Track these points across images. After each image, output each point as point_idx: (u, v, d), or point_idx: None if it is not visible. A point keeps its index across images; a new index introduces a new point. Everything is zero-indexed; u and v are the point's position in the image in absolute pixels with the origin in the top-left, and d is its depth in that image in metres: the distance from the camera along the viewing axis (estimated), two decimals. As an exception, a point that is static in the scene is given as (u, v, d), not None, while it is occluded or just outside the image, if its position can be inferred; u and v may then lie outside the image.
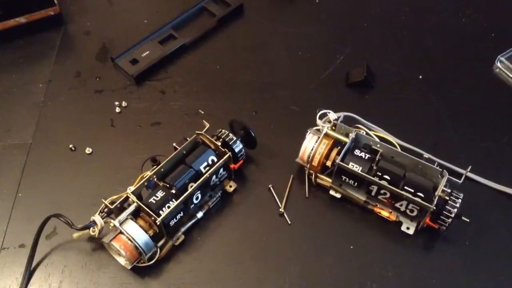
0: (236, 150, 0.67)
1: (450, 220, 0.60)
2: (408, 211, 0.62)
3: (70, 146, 0.73)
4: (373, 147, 0.65)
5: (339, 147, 0.65)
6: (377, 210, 0.65)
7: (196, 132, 0.67)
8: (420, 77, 0.81)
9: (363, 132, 0.67)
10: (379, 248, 0.64)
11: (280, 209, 0.67)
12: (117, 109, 0.78)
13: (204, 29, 0.88)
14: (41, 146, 0.74)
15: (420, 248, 0.64)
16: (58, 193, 0.69)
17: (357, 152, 0.64)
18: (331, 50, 0.85)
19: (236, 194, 0.69)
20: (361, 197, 0.65)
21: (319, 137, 0.66)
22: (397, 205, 0.62)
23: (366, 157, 0.63)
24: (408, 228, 0.64)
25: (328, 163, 0.65)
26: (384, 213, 0.65)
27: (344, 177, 0.64)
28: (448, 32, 0.87)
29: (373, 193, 0.63)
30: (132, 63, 0.83)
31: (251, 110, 0.77)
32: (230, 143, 0.67)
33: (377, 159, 0.64)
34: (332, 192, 0.67)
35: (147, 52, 0.84)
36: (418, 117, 0.75)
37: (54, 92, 0.80)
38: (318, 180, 0.68)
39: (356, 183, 0.64)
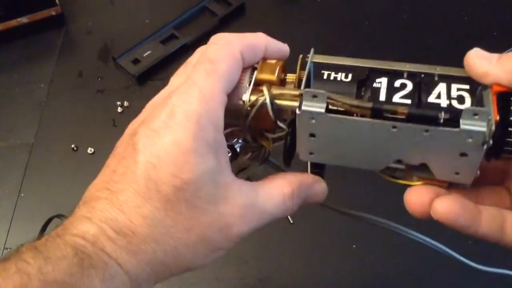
0: (238, 149, 0.67)
1: None
2: None
3: (72, 146, 0.73)
4: None
5: None
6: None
7: (198, 131, 0.67)
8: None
9: None
10: (381, 247, 0.64)
11: (282, 209, 0.67)
12: (119, 109, 0.78)
13: (206, 29, 0.88)
14: (43, 146, 0.74)
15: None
16: (60, 193, 0.69)
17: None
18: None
19: (238, 194, 0.69)
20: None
21: None
22: None
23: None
24: None
25: None
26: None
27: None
28: (450, 30, 0.87)
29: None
30: (134, 63, 0.83)
31: (253, 110, 0.77)
32: (232, 142, 0.67)
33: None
34: None
35: (148, 52, 0.84)
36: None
37: (56, 92, 0.81)
38: None
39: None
